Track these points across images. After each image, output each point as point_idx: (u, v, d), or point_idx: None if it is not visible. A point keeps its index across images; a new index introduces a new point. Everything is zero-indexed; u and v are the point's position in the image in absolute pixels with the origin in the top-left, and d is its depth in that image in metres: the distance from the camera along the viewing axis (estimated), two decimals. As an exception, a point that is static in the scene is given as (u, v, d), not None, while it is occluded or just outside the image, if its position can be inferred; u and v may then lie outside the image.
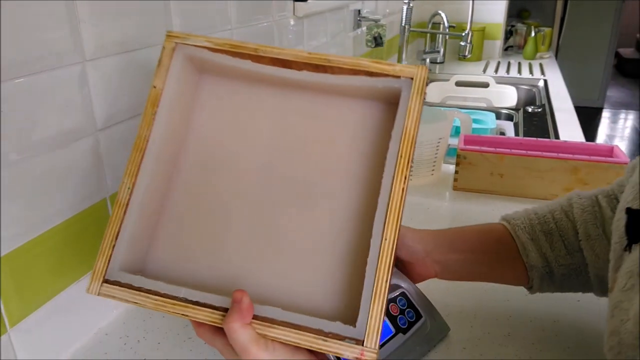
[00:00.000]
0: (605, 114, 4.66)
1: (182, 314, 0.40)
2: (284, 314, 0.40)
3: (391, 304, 0.51)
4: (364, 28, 1.42)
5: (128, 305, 0.62)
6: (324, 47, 1.15)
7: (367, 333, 0.38)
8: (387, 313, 0.51)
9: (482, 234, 0.56)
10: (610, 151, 0.89)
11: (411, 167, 0.41)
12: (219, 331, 0.40)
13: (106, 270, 0.43)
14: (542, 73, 2.01)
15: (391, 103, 0.46)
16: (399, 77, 0.43)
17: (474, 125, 1.17)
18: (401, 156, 0.41)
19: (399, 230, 0.40)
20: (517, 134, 1.36)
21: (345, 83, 0.45)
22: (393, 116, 0.43)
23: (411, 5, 1.51)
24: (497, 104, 1.74)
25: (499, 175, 0.89)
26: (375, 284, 0.39)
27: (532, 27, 2.34)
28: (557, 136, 1.28)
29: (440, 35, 2.00)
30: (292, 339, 0.39)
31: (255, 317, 0.39)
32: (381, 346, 0.48)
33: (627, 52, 6.21)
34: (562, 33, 4.04)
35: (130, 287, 0.42)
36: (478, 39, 2.19)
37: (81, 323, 0.56)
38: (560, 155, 0.86)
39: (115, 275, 0.43)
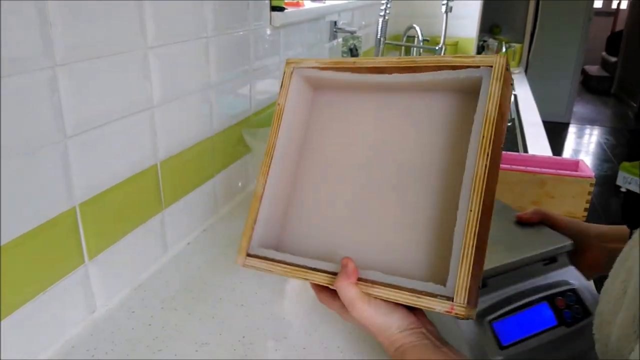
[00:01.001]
0: (572, 129, 4.80)
1: (304, 278, 0.49)
2: (384, 276, 0.46)
3: (558, 297, 0.55)
4: (340, 39, 1.43)
5: (96, 316, 0.61)
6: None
7: (456, 291, 0.43)
8: (553, 305, 0.55)
9: None
10: (575, 165, 0.92)
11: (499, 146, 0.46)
12: (336, 296, 0.47)
13: (248, 246, 0.53)
14: (512, 88, 2.06)
15: (475, 92, 0.49)
16: (478, 66, 0.47)
17: (446, 138, 1.18)
18: (483, 136, 0.45)
19: (486, 204, 0.44)
20: (487, 147, 1.39)
21: (432, 79, 0.51)
22: (476, 105, 0.48)
23: (387, 18, 1.53)
24: (468, 117, 1.77)
25: (470, 188, 0.90)
26: (462, 250, 0.43)
27: (503, 42, 2.41)
28: (525, 150, 1.31)
29: (415, 49, 2.03)
30: (390, 296, 0.45)
31: (360, 279, 0.47)
32: (540, 333, 0.53)
33: (593, 69, 6.43)
34: (531, 49, 4.16)
35: (265, 259, 0.51)
36: (451, 53, 2.23)
37: (47, 335, 0.55)
38: (529, 168, 0.88)
39: (255, 250, 0.52)
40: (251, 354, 0.56)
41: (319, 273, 0.49)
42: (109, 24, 0.56)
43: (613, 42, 6.32)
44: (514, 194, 0.89)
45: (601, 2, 6.79)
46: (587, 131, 4.78)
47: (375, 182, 0.54)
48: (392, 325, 0.46)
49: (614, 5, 6.95)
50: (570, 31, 4.52)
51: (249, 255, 0.52)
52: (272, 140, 0.55)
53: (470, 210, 0.44)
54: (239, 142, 0.91)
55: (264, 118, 1.00)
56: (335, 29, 1.38)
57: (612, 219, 3.00)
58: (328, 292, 0.50)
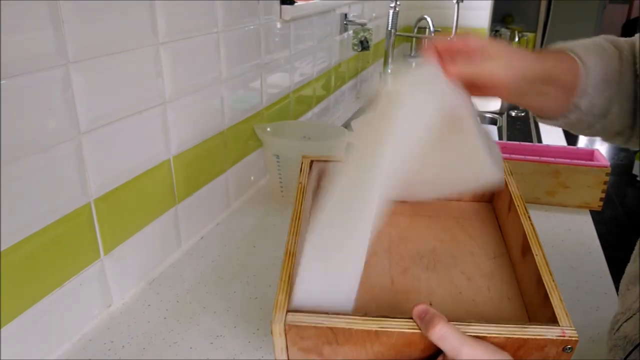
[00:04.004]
0: (587, 118, 4.72)
1: (379, 328, 0.41)
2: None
3: None
4: (351, 32, 1.43)
5: (112, 310, 0.61)
6: (310, 51, 1.15)
7: (558, 319, 0.41)
8: None
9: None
10: (590, 155, 0.91)
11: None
12: None
13: (287, 303, 0.44)
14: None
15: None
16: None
17: (459, 129, 1.17)
18: (519, 206, 0.54)
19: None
20: (500, 137, 1.38)
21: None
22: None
23: (397, 9, 1.52)
24: (481, 108, 1.76)
25: (483, 179, 0.90)
26: (547, 285, 0.45)
27: (516, 32, 2.38)
28: (539, 140, 1.30)
29: (426, 40, 2.01)
30: (493, 332, 0.41)
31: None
32: None
33: (608, 57, 6.32)
34: (545, 38, 4.10)
35: (314, 312, 0.43)
36: (463, 44, 2.21)
37: (64, 328, 0.56)
38: (543, 159, 0.87)
39: (297, 307, 0.45)
40: (265, 347, 0.56)
41: (396, 320, 0.41)
42: (120, 20, 0.57)
43: (628, 30, 6.19)
44: (528, 184, 0.88)
45: (616, -12, 6.67)
46: (603, 120, 4.71)
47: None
48: None
49: (630, -8, 6.81)
50: (584, 19, 4.44)
51: (290, 311, 0.43)
52: (298, 207, 0.56)
53: (536, 255, 0.48)
54: (250, 136, 0.91)
55: (275, 112, 1.00)
56: (345, 22, 1.37)
57: (628, 209, 2.96)
58: None
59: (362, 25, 1.41)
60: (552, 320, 0.42)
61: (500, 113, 1.58)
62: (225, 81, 0.80)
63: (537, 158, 0.87)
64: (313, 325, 0.42)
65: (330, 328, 0.42)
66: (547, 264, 0.48)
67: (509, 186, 0.58)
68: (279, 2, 0.96)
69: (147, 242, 0.67)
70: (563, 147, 0.94)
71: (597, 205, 0.87)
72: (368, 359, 0.44)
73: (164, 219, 0.70)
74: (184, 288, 0.67)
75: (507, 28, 2.63)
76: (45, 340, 0.53)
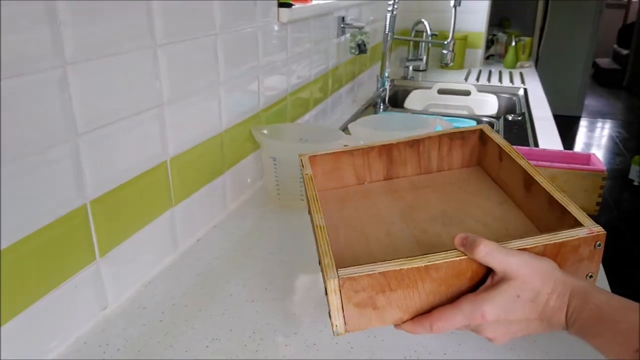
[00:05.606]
0: (583, 123, 4.75)
1: (427, 262, 0.44)
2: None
3: None
4: (348, 35, 1.43)
5: (107, 312, 0.61)
6: (308, 53, 1.15)
7: (582, 222, 0.46)
8: None
9: None
10: (587, 159, 0.91)
11: None
12: (451, 307, 0.44)
13: (335, 264, 0.45)
14: (522, 82, 2.04)
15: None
16: (474, 130, 0.66)
17: (456, 133, 1.17)
18: (510, 150, 0.59)
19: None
20: (497, 141, 1.38)
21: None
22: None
23: (395, 13, 1.52)
24: (478, 112, 1.76)
25: (480, 183, 0.90)
26: (561, 200, 0.49)
27: (513, 36, 2.38)
28: (536, 144, 1.30)
29: (423, 43, 2.02)
30: (532, 243, 0.45)
31: None
32: None
33: (604, 62, 6.36)
34: (541, 43, 4.12)
35: (364, 264, 0.44)
36: (460, 48, 2.21)
37: (58, 331, 0.55)
38: (539, 163, 0.87)
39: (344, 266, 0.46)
40: (262, 350, 0.56)
41: (439, 253, 0.45)
42: (118, 22, 0.57)
43: (625, 35, 6.23)
44: (525, 188, 0.88)
45: (612, -6, 6.70)
46: (599, 125, 4.73)
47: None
48: (555, 267, 0.44)
49: (626, -3, 6.85)
50: (581, 24, 4.46)
51: (339, 267, 0.44)
52: (312, 193, 0.57)
53: (541, 182, 0.52)
54: (247, 138, 0.91)
55: (272, 114, 1.00)
56: (343, 25, 1.37)
57: (624, 213, 2.97)
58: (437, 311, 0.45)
59: (360, 28, 1.41)
60: (576, 226, 0.46)
61: (497, 117, 1.58)
62: (222, 83, 0.80)
63: (533, 162, 0.87)
64: (366, 273, 0.43)
65: (382, 273, 0.43)
66: (553, 185, 0.51)
67: (494, 140, 0.63)
68: (276, 4, 0.96)
69: (143, 244, 0.67)
70: (560, 152, 0.94)
71: (594, 210, 0.87)
72: (421, 301, 0.45)
73: (160, 221, 0.70)
74: (179, 290, 0.66)
75: (504, 32, 2.64)
76: (39, 343, 0.53)
